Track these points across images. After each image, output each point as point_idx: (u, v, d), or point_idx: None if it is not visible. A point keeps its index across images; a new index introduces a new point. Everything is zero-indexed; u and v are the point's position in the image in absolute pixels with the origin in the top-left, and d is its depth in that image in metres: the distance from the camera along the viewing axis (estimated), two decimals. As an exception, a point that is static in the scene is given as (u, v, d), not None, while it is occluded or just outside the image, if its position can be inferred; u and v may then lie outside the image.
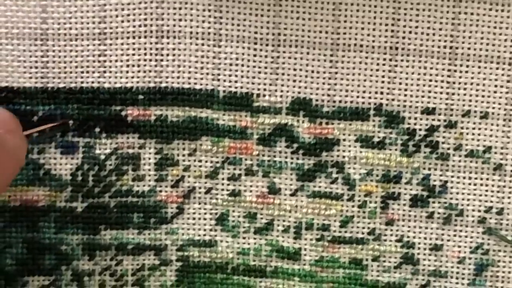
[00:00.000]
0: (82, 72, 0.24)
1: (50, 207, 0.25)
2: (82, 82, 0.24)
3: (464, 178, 0.25)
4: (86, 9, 0.24)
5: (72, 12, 0.24)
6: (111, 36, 0.24)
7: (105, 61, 0.24)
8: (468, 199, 0.25)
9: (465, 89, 0.24)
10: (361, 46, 0.24)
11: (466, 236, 0.25)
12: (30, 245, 0.25)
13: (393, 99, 0.25)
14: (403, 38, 0.24)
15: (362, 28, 0.24)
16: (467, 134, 0.25)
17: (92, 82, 0.24)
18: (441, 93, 0.24)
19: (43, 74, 0.24)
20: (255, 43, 0.24)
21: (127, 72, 0.24)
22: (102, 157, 0.25)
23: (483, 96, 0.24)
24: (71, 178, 0.25)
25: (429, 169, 0.25)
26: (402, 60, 0.24)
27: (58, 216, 0.25)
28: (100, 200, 0.25)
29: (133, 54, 0.24)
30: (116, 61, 0.24)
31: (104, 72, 0.24)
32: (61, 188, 0.25)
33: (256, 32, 0.24)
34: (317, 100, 0.25)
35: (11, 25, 0.23)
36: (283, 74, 0.24)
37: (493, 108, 0.24)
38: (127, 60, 0.24)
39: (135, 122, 0.25)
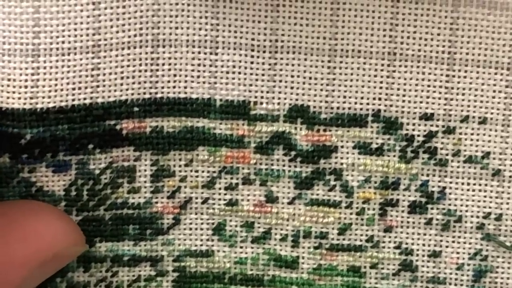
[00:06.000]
0: (74, 89, 0.23)
1: None
2: (73, 100, 0.23)
3: (462, 184, 0.25)
4: (80, 21, 0.23)
5: (65, 24, 0.23)
6: (105, 48, 0.23)
7: (98, 75, 0.23)
8: (467, 205, 0.25)
9: (463, 94, 0.24)
10: (359, 52, 0.24)
11: (464, 243, 0.25)
12: None
13: (391, 105, 0.24)
14: (401, 43, 0.24)
15: (360, 34, 0.24)
16: (466, 139, 0.25)
17: (85, 99, 0.23)
18: (439, 98, 0.24)
19: (32, 94, 0.23)
20: (252, 50, 0.24)
21: (122, 84, 0.24)
22: (97, 172, 0.24)
23: (481, 102, 0.24)
24: (64, 193, 0.24)
25: (428, 175, 0.25)
26: (400, 66, 0.24)
27: None
28: (95, 213, 0.24)
29: (128, 66, 0.23)
30: (110, 74, 0.23)
31: (98, 86, 0.23)
32: (55, 203, 0.24)
33: (253, 39, 0.24)
34: (314, 107, 0.24)
35: (2, 40, 0.23)
36: (280, 81, 0.24)
37: (492, 113, 0.24)
38: (122, 72, 0.23)
39: (130, 135, 0.24)
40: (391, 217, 0.25)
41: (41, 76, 0.23)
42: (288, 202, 0.25)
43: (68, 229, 0.23)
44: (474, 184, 0.25)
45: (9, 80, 0.23)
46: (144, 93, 0.24)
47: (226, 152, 0.25)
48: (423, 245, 0.25)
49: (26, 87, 0.23)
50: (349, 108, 0.24)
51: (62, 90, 0.23)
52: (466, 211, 0.25)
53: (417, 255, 0.25)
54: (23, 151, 0.23)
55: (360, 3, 0.23)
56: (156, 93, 0.24)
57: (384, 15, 0.24)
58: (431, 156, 0.25)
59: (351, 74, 0.24)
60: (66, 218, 0.23)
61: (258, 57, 0.24)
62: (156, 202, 0.25)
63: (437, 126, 0.24)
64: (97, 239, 0.25)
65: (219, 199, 0.25)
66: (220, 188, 0.25)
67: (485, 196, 0.25)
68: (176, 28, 0.23)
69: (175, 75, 0.24)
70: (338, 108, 0.24)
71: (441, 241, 0.25)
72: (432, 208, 0.25)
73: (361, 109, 0.24)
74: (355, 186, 0.25)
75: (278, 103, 0.24)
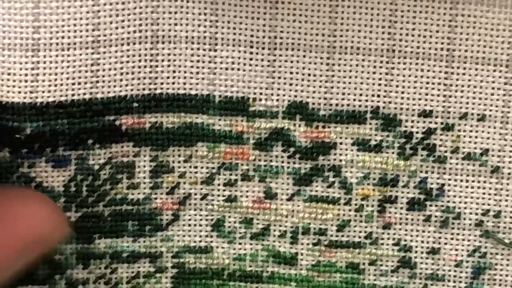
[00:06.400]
0: (74, 84, 0.23)
1: None
2: (73, 95, 0.23)
3: (461, 181, 0.25)
4: (80, 16, 0.23)
5: (65, 20, 0.23)
6: (104, 43, 0.23)
7: (98, 70, 0.23)
8: (465, 202, 0.25)
9: (462, 91, 0.24)
10: (358, 48, 0.24)
11: (463, 239, 0.25)
12: None
13: (390, 102, 0.24)
14: (400, 40, 0.24)
15: (359, 31, 0.24)
16: (464, 136, 0.25)
17: (84, 94, 0.23)
18: (438, 95, 0.24)
19: (32, 89, 0.23)
20: (251, 47, 0.24)
21: (121, 80, 0.24)
22: (96, 167, 0.24)
23: (480, 99, 0.24)
24: (63, 189, 0.24)
25: (426, 172, 0.25)
26: (399, 63, 0.24)
27: None
28: (94, 210, 0.25)
29: (127, 61, 0.23)
30: (110, 69, 0.23)
31: (97, 82, 0.23)
32: (54, 199, 0.24)
33: (252, 36, 0.24)
34: (313, 104, 0.24)
35: (2, 35, 0.23)
36: (279, 77, 0.24)
37: (490, 110, 0.24)
38: (121, 68, 0.23)
39: (130, 130, 0.24)
40: (390, 214, 0.25)
41: (41, 71, 0.23)
42: (287, 198, 0.25)
43: (52, 214, 0.23)
44: (473, 181, 0.25)
45: (9, 74, 0.23)
46: (144, 89, 0.24)
47: (225, 148, 0.25)
48: (422, 242, 0.25)
49: (26, 81, 0.23)
50: (348, 105, 0.24)
51: (62, 85, 0.23)
52: (465, 208, 0.25)
53: (416, 252, 0.25)
54: (23, 145, 0.23)
55: (359, 0, 0.23)
56: (155, 89, 0.24)
57: (383, 12, 0.24)
58: (429, 153, 0.25)
59: (350, 71, 0.24)
60: (50, 203, 0.23)
61: (257, 53, 0.24)
62: (155, 198, 0.25)
63: (435, 123, 0.24)
64: (96, 235, 0.25)
65: (218, 195, 0.25)
66: (219, 184, 0.25)
67: (483, 193, 0.25)
68: (175, 24, 0.23)
69: (174, 71, 0.24)
70: (337, 104, 0.24)
71: (439, 238, 0.25)
72: (431, 205, 0.25)
73: (360, 105, 0.24)
74: (354, 183, 0.25)
75: (277, 100, 0.24)
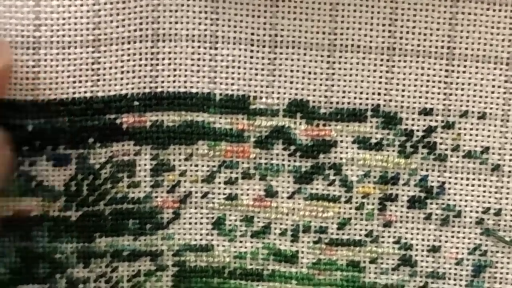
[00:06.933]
0: (75, 82, 0.23)
1: (43, 216, 0.24)
2: (74, 93, 0.23)
3: (461, 179, 0.25)
4: (80, 15, 0.23)
5: (65, 18, 0.23)
6: (105, 42, 0.23)
7: (98, 69, 0.23)
8: (466, 200, 0.25)
9: (462, 89, 0.24)
10: (358, 46, 0.24)
11: (464, 237, 0.25)
12: (23, 254, 0.25)
13: (390, 100, 0.24)
14: (401, 38, 0.24)
15: (360, 29, 0.24)
16: (465, 134, 0.25)
17: (85, 92, 0.23)
18: (438, 93, 0.24)
19: (33, 86, 0.23)
20: (252, 45, 0.24)
21: (122, 79, 0.24)
22: (97, 166, 0.24)
23: (480, 97, 0.24)
24: (64, 188, 0.24)
25: (427, 170, 0.25)
26: (399, 61, 0.24)
27: (51, 225, 0.24)
28: (95, 208, 0.24)
29: (128, 60, 0.23)
30: (111, 68, 0.23)
31: (98, 80, 0.23)
32: (54, 198, 0.24)
33: (253, 34, 0.24)
34: (314, 102, 0.24)
35: (3, 32, 0.23)
36: (280, 75, 0.24)
37: (491, 108, 0.24)
38: (122, 67, 0.23)
39: (131, 129, 0.24)
40: (391, 212, 0.25)
41: (42, 69, 0.23)
42: (288, 196, 0.25)
43: None
44: (473, 179, 0.25)
45: (10, 72, 0.23)
46: (144, 88, 0.24)
47: (225, 147, 0.25)
48: (423, 240, 0.25)
49: (27, 78, 0.23)
50: (349, 103, 0.24)
51: (63, 83, 0.23)
52: (466, 206, 0.25)
53: (417, 250, 0.25)
54: (24, 143, 0.23)
55: (360, -2, 0.23)
56: (156, 87, 0.24)
57: (383, 10, 0.24)
58: (430, 151, 0.25)
59: (351, 69, 0.24)
60: None
61: (257, 51, 0.24)
62: (156, 197, 0.25)
63: (436, 121, 0.24)
64: (97, 234, 0.25)
65: (219, 194, 0.25)
66: (219, 183, 0.25)
67: (484, 191, 0.25)
68: (176, 22, 0.23)
69: (175, 70, 0.24)
70: (337, 103, 0.24)
71: (440, 236, 0.25)
72: (431, 203, 0.25)
73: (360, 104, 0.24)
74: (355, 181, 0.25)
75: (278, 98, 0.24)
